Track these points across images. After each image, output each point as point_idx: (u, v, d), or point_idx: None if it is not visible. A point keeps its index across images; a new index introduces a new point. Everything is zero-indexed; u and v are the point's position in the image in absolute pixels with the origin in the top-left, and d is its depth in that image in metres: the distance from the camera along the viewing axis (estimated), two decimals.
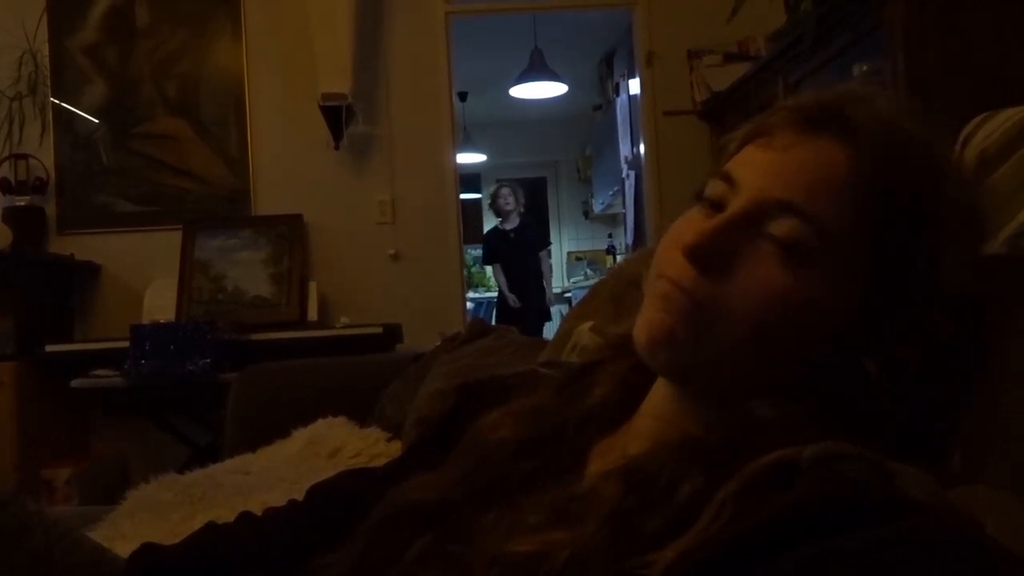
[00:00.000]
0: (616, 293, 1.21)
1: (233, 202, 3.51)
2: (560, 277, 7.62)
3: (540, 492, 0.53)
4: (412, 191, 3.57)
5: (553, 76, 5.27)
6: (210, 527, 0.73)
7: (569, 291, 7.07)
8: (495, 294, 7.86)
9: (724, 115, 3.44)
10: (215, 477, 1.50)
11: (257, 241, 3.37)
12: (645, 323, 0.53)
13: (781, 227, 0.50)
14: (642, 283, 0.57)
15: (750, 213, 0.51)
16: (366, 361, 2.37)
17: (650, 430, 0.55)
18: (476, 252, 7.56)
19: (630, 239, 5.14)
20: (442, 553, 0.53)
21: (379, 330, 3.04)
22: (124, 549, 0.72)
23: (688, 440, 0.51)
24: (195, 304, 3.27)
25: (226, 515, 0.77)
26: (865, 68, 2.26)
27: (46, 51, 3.47)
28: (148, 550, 0.70)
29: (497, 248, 5.61)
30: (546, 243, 5.78)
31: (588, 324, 1.16)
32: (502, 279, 5.51)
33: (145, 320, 3.14)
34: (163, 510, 1.34)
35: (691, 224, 0.55)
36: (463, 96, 5.92)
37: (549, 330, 4.80)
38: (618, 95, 5.23)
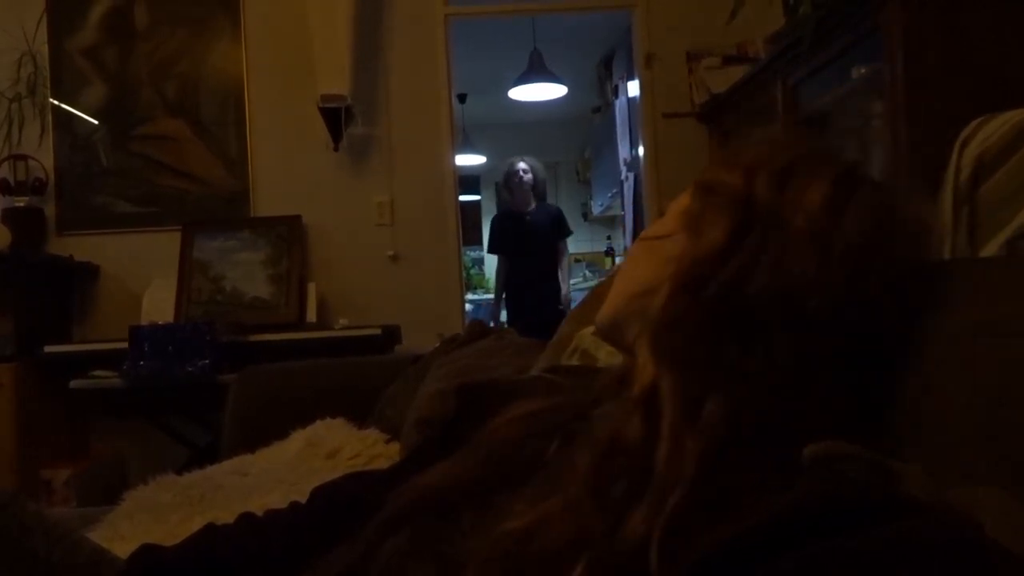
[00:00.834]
0: None
1: (232, 203, 3.51)
2: None
3: (535, 480, 0.56)
4: (411, 192, 3.57)
5: (552, 78, 5.27)
6: (210, 528, 0.73)
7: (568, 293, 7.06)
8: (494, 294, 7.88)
9: (723, 117, 3.45)
10: (214, 478, 1.50)
11: (256, 242, 3.37)
12: None
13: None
14: None
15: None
16: (365, 362, 2.37)
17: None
18: (475, 254, 7.56)
19: (629, 241, 5.14)
20: (437, 550, 0.54)
21: (378, 331, 3.04)
22: (123, 550, 0.72)
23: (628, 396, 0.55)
24: (194, 305, 3.27)
25: (225, 516, 0.77)
26: (864, 70, 2.26)
27: (45, 52, 3.46)
28: (147, 551, 0.70)
29: (507, 233, 4.69)
30: (567, 232, 4.77)
31: (590, 328, 1.16)
32: (504, 272, 4.70)
33: (144, 321, 3.14)
34: (162, 511, 1.33)
35: None
36: (462, 98, 5.92)
37: None
38: (617, 97, 5.23)
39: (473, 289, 7.13)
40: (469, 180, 7.03)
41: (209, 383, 2.77)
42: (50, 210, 3.46)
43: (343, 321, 3.23)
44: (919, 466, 0.45)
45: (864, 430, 0.50)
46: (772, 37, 2.87)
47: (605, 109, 5.95)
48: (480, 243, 7.66)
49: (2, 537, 0.64)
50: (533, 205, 4.69)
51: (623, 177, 5.14)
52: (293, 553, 0.67)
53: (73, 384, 2.90)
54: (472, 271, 7.31)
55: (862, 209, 0.57)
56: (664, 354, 0.53)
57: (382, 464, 1.39)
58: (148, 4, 3.52)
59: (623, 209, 5.32)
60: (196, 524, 0.80)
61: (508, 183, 4.72)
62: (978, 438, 0.50)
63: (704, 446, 0.47)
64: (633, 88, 4.15)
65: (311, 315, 3.28)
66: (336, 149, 3.48)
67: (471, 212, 7.09)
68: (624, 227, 5.45)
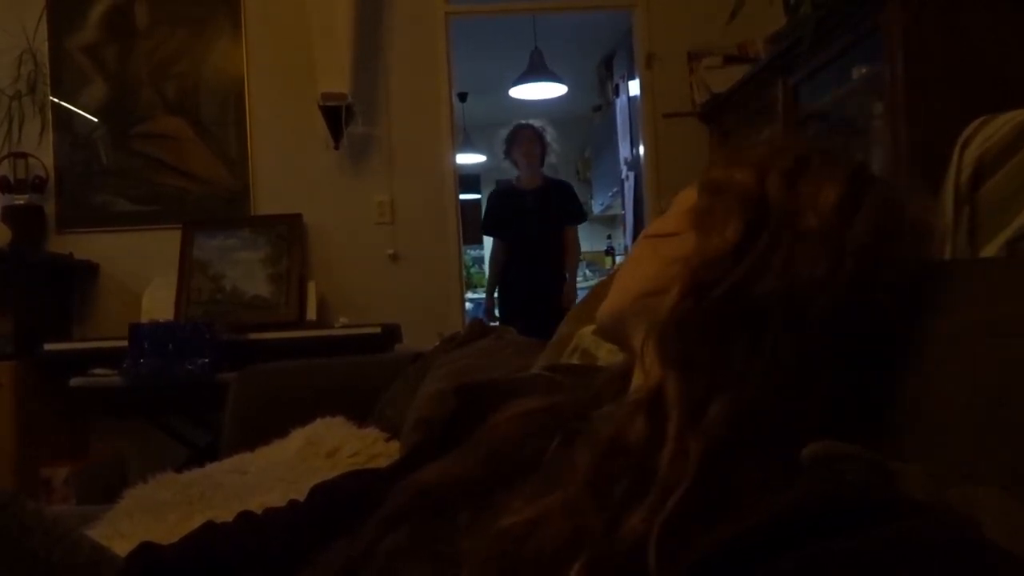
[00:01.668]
0: None
1: (232, 202, 3.51)
2: None
3: (534, 478, 0.56)
4: (411, 191, 3.57)
5: (553, 77, 5.27)
6: (209, 526, 0.73)
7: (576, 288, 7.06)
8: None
9: (724, 117, 3.44)
10: (213, 477, 1.50)
11: (256, 241, 3.37)
12: None
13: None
14: None
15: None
16: (365, 361, 2.37)
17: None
18: (475, 253, 7.55)
19: (629, 240, 5.14)
20: (433, 549, 0.54)
21: (378, 330, 3.04)
22: (122, 548, 0.72)
23: (632, 395, 0.55)
24: (194, 304, 3.27)
25: (224, 515, 0.77)
26: (864, 71, 2.26)
27: (46, 50, 3.47)
28: (147, 549, 0.70)
29: (504, 213, 3.97)
30: (579, 216, 4.11)
31: (590, 328, 1.16)
32: (500, 260, 3.98)
33: (144, 320, 3.14)
34: (161, 510, 1.33)
35: None
36: (463, 97, 5.92)
37: None
38: (618, 96, 5.23)
39: (473, 288, 7.13)
40: (469, 179, 7.03)
41: (209, 382, 2.77)
42: (50, 208, 3.46)
43: (343, 320, 3.23)
44: (918, 466, 0.45)
45: (864, 430, 0.50)
46: (773, 37, 2.87)
47: (606, 108, 5.95)
48: (481, 242, 7.66)
49: (2, 536, 0.64)
50: (540, 181, 4.00)
51: (623, 176, 5.14)
52: (292, 551, 0.67)
53: (73, 382, 2.90)
54: (472, 270, 7.30)
55: (873, 210, 0.57)
56: (671, 356, 0.53)
57: (382, 463, 1.39)
58: (149, 3, 3.52)
59: (623, 208, 5.33)
60: (195, 522, 0.80)
61: (514, 147, 3.98)
62: (978, 438, 0.50)
63: (707, 447, 0.47)
64: (634, 87, 4.15)
65: (311, 314, 3.28)
66: (336, 148, 3.48)
67: (471, 211, 7.07)
68: (624, 226, 5.45)
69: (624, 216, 5.43)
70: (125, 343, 2.85)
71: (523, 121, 4.04)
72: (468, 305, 5.25)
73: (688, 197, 0.65)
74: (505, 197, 4.10)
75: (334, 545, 0.62)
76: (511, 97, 5.63)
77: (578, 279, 7.05)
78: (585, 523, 0.46)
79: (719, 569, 0.39)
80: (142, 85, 3.51)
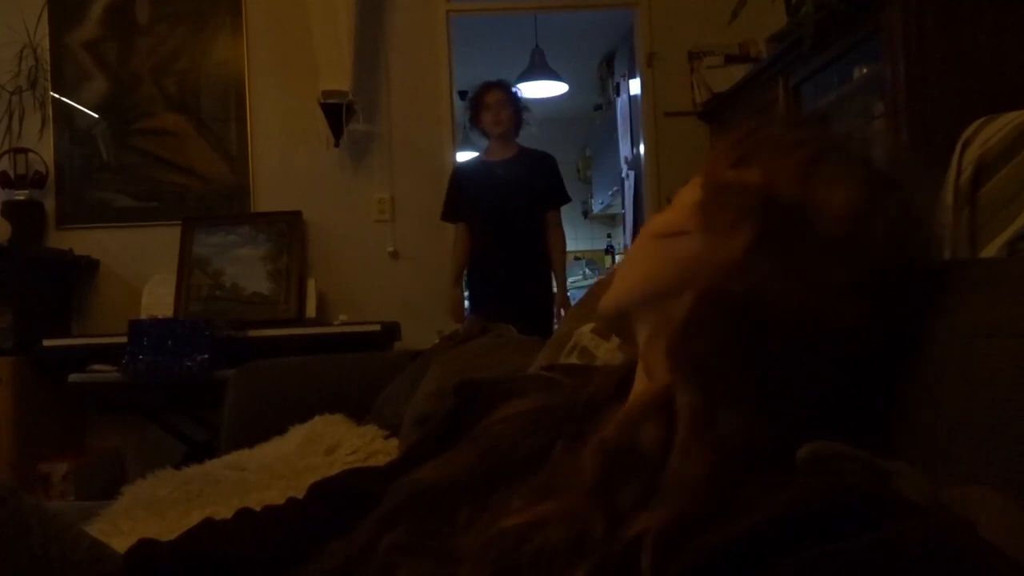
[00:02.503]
0: None
1: (232, 199, 3.51)
2: None
3: (533, 477, 0.56)
4: (411, 189, 3.57)
5: (554, 76, 5.26)
6: (207, 523, 0.73)
7: (567, 291, 7.06)
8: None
9: (724, 116, 3.45)
10: (212, 473, 1.50)
11: (256, 238, 3.37)
12: None
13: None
14: None
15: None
16: (364, 359, 2.37)
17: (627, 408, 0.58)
18: None
19: (629, 239, 5.14)
20: (433, 546, 0.54)
21: (377, 328, 3.04)
22: (121, 545, 0.72)
23: (640, 399, 0.54)
24: (193, 300, 3.27)
25: (223, 511, 0.77)
26: (865, 71, 2.26)
27: (46, 45, 3.47)
28: (145, 546, 0.70)
29: (467, 191, 3.19)
30: (560, 198, 3.31)
31: (589, 326, 1.15)
32: (463, 249, 3.18)
33: (143, 316, 3.14)
34: (159, 506, 1.33)
35: None
36: (463, 95, 5.90)
37: None
38: (618, 95, 5.22)
39: None
40: None
41: (208, 378, 2.77)
42: (50, 204, 3.46)
43: (342, 317, 3.23)
44: (913, 467, 0.45)
45: (863, 431, 0.50)
46: (774, 37, 2.87)
47: (606, 107, 5.94)
48: None
49: (0, 532, 0.63)
50: (515, 151, 3.25)
51: (624, 175, 5.13)
52: (291, 549, 0.67)
53: (72, 378, 2.91)
54: None
55: (887, 214, 0.55)
56: (684, 364, 0.52)
57: (380, 460, 1.39)
58: None
59: (623, 207, 5.32)
60: (194, 519, 0.80)
61: (482, 112, 3.23)
62: (977, 439, 0.50)
63: (716, 457, 0.47)
64: (635, 86, 4.15)
65: (310, 311, 3.28)
66: (337, 145, 3.48)
67: None
68: (624, 225, 5.45)
69: (624, 215, 5.43)
70: (124, 339, 2.85)
71: (492, 80, 3.33)
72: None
73: (691, 192, 0.63)
74: (471, 173, 3.30)
75: (333, 543, 0.62)
76: None
77: (577, 278, 7.10)
78: (587, 527, 0.45)
79: (716, 572, 0.39)
80: (143, 81, 3.51)
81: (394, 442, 1.56)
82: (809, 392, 0.52)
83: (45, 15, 3.45)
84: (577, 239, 7.69)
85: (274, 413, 1.79)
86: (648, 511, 0.44)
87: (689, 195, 0.63)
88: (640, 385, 0.60)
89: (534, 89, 5.43)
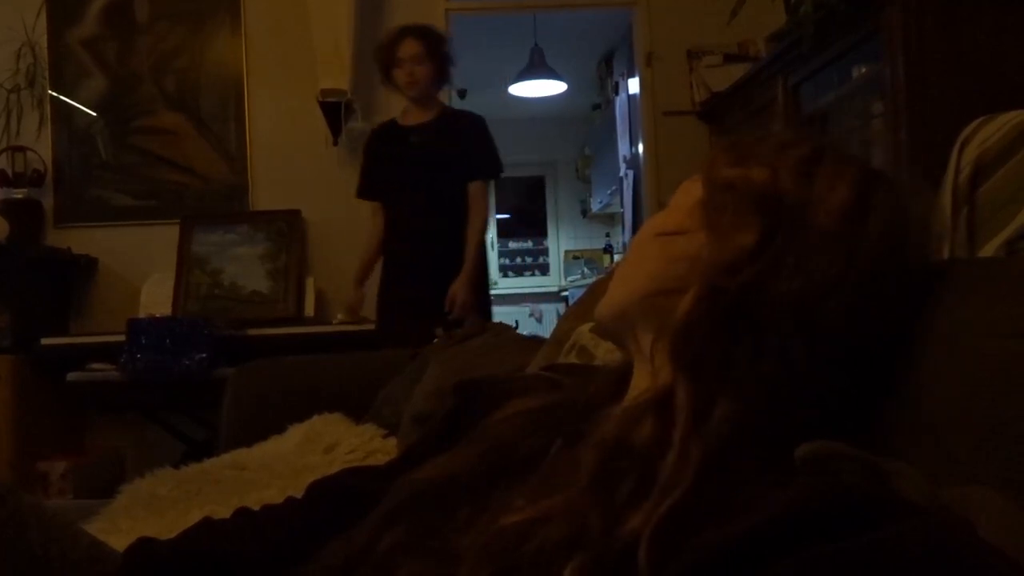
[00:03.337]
0: None
1: (231, 197, 3.51)
2: (557, 276, 7.61)
3: (533, 476, 0.56)
4: None
5: (552, 75, 5.26)
6: (207, 522, 0.73)
7: (566, 290, 7.06)
8: (491, 292, 7.75)
9: (723, 116, 3.45)
10: (210, 472, 1.50)
11: (255, 237, 3.37)
12: None
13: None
14: None
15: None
16: (363, 358, 2.37)
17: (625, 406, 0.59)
18: None
19: (627, 238, 5.14)
20: (433, 545, 0.54)
21: (376, 327, 3.03)
22: (120, 543, 0.72)
23: (640, 397, 0.55)
24: (192, 299, 3.27)
25: (221, 510, 0.77)
26: (864, 70, 2.26)
27: (45, 44, 3.46)
28: (144, 545, 0.70)
29: (379, 163, 2.75)
30: (489, 169, 2.74)
31: (588, 325, 1.15)
32: (375, 231, 2.75)
33: (142, 314, 3.14)
34: (158, 505, 1.33)
35: None
36: (462, 93, 5.90)
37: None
38: (617, 94, 5.22)
39: None
40: None
41: (206, 377, 2.77)
42: (48, 202, 3.46)
43: (341, 316, 3.23)
44: (912, 466, 0.45)
45: (861, 430, 0.50)
46: (773, 36, 2.87)
47: (605, 106, 5.94)
48: None
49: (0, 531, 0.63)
50: (435, 113, 2.70)
51: (622, 174, 5.13)
52: (290, 548, 0.67)
53: (70, 377, 2.90)
54: None
55: (884, 211, 0.56)
56: (684, 361, 0.53)
57: (379, 459, 1.39)
58: None
59: (622, 207, 5.32)
60: (192, 518, 0.80)
61: (395, 68, 2.67)
62: (977, 438, 0.50)
63: (706, 451, 0.47)
64: (633, 86, 4.15)
65: (309, 310, 3.28)
66: (336, 144, 3.48)
67: None
68: (623, 224, 5.45)
69: (623, 214, 5.43)
70: (123, 338, 2.84)
71: (409, 25, 2.76)
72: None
73: (691, 191, 0.63)
74: (384, 140, 2.77)
75: (332, 543, 0.62)
76: (511, 94, 5.63)
77: (576, 277, 7.11)
78: (586, 524, 0.46)
79: (715, 572, 0.39)
80: (142, 80, 3.51)
81: (393, 441, 1.56)
82: (808, 390, 0.52)
83: (44, 13, 3.45)
84: (576, 238, 7.70)
85: (273, 412, 1.79)
86: (645, 506, 0.45)
87: (688, 194, 0.63)
88: (640, 383, 0.60)
89: (533, 88, 5.44)
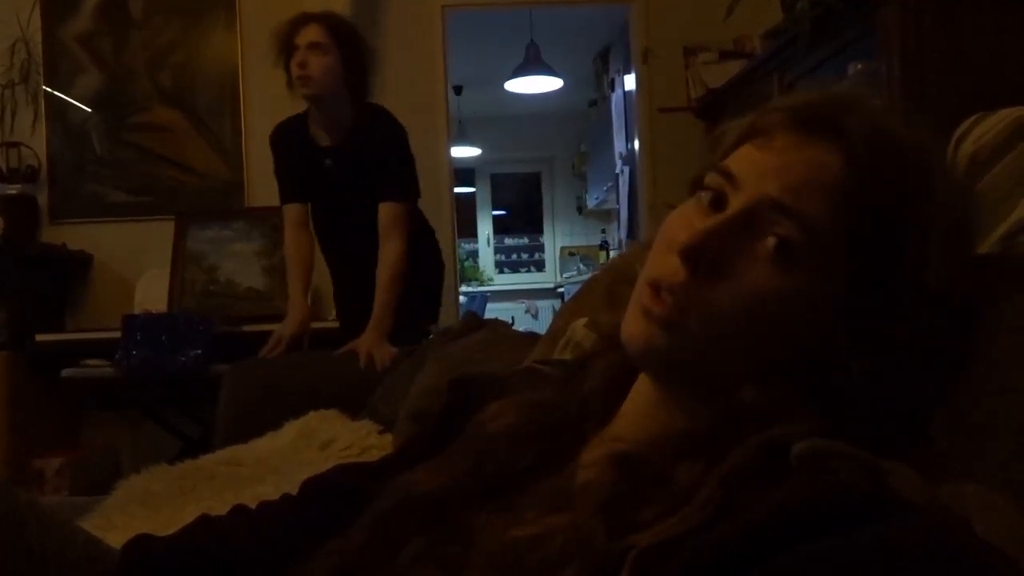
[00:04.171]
0: (610, 289, 1.21)
1: (227, 193, 3.50)
2: (553, 272, 7.62)
3: (537, 484, 0.55)
4: None
5: (549, 71, 5.26)
6: (203, 519, 0.73)
7: (562, 286, 7.07)
8: (487, 288, 7.80)
9: (719, 112, 3.45)
10: (206, 468, 1.50)
11: (250, 233, 3.36)
12: (629, 330, 0.54)
13: (776, 229, 0.51)
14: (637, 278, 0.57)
15: (748, 213, 0.52)
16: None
17: (636, 420, 0.57)
18: (470, 247, 7.55)
19: (623, 235, 5.14)
20: (440, 553, 0.53)
21: None
22: (116, 540, 0.72)
23: (680, 429, 0.52)
24: (187, 295, 3.26)
25: (217, 507, 0.77)
26: (860, 67, 2.26)
27: (39, 39, 3.44)
28: (141, 541, 0.70)
29: (296, 180, 2.46)
30: (400, 191, 2.36)
31: (583, 320, 1.15)
32: (302, 241, 2.50)
33: (137, 311, 3.13)
34: (154, 501, 1.33)
35: (686, 221, 0.55)
36: (458, 90, 5.90)
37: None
38: (613, 91, 5.22)
39: (467, 281, 7.13)
40: (464, 173, 7.02)
41: (202, 374, 2.76)
42: (43, 198, 3.45)
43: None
44: (910, 465, 0.45)
45: (859, 429, 0.50)
46: (769, 33, 2.87)
47: (601, 103, 5.94)
48: (475, 235, 7.66)
49: None
50: (344, 128, 2.33)
51: (619, 171, 5.14)
52: (286, 546, 0.67)
53: (65, 373, 2.89)
54: (466, 263, 7.31)
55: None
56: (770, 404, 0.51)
57: (374, 455, 1.39)
58: None
59: (618, 203, 5.32)
60: (188, 514, 0.80)
61: (287, 59, 2.33)
62: (975, 435, 0.50)
63: (728, 476, 0.46)
64: (630, 82, 4.15)
65: None
66: None
67: (466, 205, 7.08)
68: (619, 221, 5.45)
69: (618, 211, 5.43)
70: (118, 334, 2.84)
71: (312, 12, 2.43)
72: (462, 299, 5.25)
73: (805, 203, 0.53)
74: (291, 151, 2.45)
75: (328, 543, 0.61)
76: (507, 90, 5.62)
77: (572, 273, 7.12)
78: (590, 539, 0.45)
79: (714, 570, 0.39)
80: (137, 75, 3.50)
81: (388, 437, 1.56)
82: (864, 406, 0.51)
83: (38, 8, 3.43)
84: (572, 235, 7.71)
85: (268, 408, 1.79)
86: (654, 527, 0.44)
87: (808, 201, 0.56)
88: (650, 403, 0.57)
89: (529, 84, 5.43)
